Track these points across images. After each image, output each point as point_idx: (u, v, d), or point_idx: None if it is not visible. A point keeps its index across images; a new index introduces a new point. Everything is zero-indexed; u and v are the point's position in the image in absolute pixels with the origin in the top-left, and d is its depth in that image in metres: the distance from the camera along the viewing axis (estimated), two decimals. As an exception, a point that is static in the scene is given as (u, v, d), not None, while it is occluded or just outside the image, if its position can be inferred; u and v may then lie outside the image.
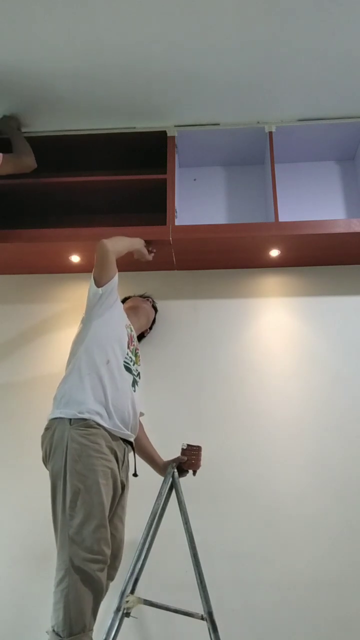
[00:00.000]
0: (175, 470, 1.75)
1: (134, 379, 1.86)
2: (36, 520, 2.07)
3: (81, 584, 1.47)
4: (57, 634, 1.42)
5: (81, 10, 1.97)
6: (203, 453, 1.88)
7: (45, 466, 1.68)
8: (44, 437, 1.70)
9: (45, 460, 1.68)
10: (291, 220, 2.44)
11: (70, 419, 1.65)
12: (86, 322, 1.88)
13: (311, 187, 2.71)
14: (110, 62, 2.22)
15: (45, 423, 1.71)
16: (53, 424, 1.68)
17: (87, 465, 1.58)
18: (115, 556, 1.68)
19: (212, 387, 2.33)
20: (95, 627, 1.50)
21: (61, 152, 2.67)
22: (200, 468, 1.86)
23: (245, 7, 1.97)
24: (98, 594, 1.51)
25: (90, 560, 1.49)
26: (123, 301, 2.21)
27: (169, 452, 1.91)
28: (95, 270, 1.89)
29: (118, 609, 1.52)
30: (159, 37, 2.09)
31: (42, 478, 1.64)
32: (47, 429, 1.71)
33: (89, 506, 1.54)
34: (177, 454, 1.86)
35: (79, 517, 1.52)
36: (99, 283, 1.86)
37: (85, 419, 1.65)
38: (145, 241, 2.25)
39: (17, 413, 2.33)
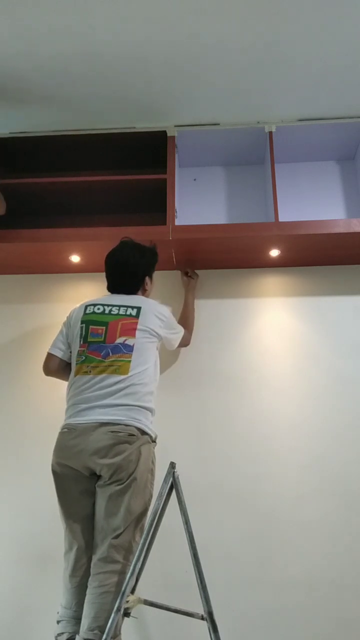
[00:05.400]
0: (176, 470, 1.75)
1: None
2: (37, 520, 2.08)
3: None
4: None
5: (80, 9, 1.98)
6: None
7: None
8: None
9: None
10: (291, 220, 2.44)
11: None
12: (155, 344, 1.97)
13: (311, 187, 2.70)
14: (110, 62, 2.22)
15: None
16: None
17: None
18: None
19: (212, 387, 2.33)
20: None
21: (61, 152, 2.67)
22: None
23: (245, 7, 1.97)
24: None
25: None
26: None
27: (168, 451, 1.91)
28: (182, 342, 2.19)
29: (118, 609, 1.51)
30: (159, 36, 2.09)
31: (42, 478, 1.63)
32: None
33: None
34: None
35: None
36: (175, 345, 2.14)
37: None
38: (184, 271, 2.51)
39: (18, 413, 2.33)
